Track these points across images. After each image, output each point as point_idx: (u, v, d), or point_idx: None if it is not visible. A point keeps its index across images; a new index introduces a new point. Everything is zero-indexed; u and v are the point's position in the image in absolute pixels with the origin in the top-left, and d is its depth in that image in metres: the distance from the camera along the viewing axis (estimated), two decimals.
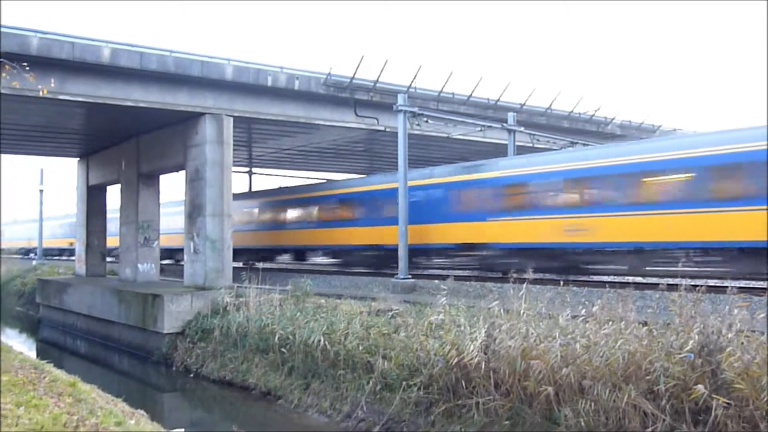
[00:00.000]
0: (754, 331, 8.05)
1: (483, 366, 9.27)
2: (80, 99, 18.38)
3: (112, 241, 31.37)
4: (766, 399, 6.97)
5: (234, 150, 21.36)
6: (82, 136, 26.06)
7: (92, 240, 29.29)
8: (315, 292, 16.41)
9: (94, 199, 29.68)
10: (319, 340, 12.44)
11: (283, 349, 13.43)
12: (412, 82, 22.66)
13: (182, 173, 22.14)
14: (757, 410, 7.02)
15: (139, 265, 24.33)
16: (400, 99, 19.87)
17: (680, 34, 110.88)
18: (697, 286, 9.35)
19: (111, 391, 10.74)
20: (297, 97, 21.79)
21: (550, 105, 26.97)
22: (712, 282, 14.26)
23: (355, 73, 21.89)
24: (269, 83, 20.87)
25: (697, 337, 7.89)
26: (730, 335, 7.90)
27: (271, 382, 13.32)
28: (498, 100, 25.24)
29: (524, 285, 10.90)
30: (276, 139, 27.13)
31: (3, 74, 8.86)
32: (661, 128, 30.73)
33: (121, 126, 23.25)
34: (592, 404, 8.08)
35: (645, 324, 8.98)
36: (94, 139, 26.46)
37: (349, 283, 20.85)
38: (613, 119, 29.33)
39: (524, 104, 25.93)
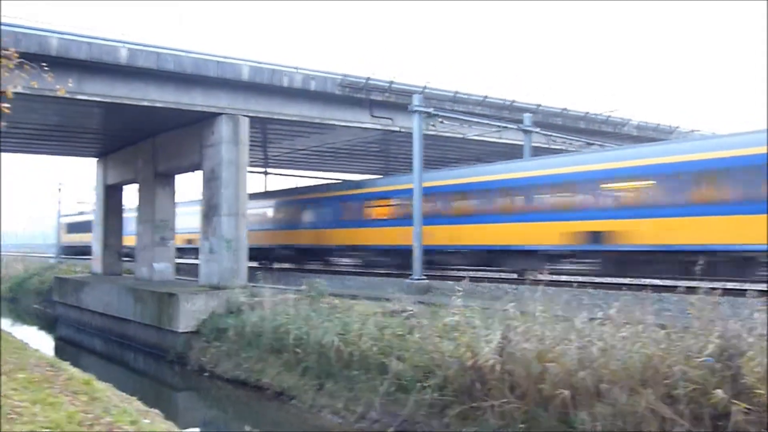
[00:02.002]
0: None
1: (498, 368, 9.19)
2: (97, 99, 18.53)
3: (130, 240, 31.52)
4: None
5: (249, 150, 21.43)
6: (100, 136, 26.29)
7: (109, 239, 29.52)
8: (329, 292, 16.39)
9: (111, 198, 29.92)
10: (334, 341, 12.42)
11: (297, 350, 13.43)
12: (428, 82, 22.62)
13: (199, 173, 22.26)
14: None
15: (155, 264, 24.46)
16: (416, 99, 19.81)
17: (696, 34, 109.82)
18: (715, 288, 9.22)
19: (126, 390, 10.77)
20: (312, 97, 21.81)
21: (566, 106, 26.83)
22: (730, 285, 14.06)
23: (370, 73, 21.89)
24: (285, 83, 20.92)
25: (716, 341, 7.77)
26: (750, 339, 7.77)
27: (285, 382, 13.32)
28: (514, 100, 25.12)
29: (540, 287, 10.81)
30: (291, 139, 27.19)
31: (22, 74, 8.89)
32: (678, 129, 30.41)
33: (138, 126, 23.41)
34: (610, 408, 7.98)
35: (663, 327, 8.86)
36: (112, 139, 26.68)
37: (363, 284, 20.82)
38: (629, 120, 29.08)
39: (540, 105, 25.79)
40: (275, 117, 21.70)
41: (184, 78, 19.46)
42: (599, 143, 25.80)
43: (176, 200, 26.16)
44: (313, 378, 12.79)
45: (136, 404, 9.72)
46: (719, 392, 7.19)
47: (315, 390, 12.50)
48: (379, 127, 23.64)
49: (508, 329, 9.63)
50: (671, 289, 13.39)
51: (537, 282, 12.92)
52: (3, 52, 8.65)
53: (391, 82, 22.40)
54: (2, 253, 45.58)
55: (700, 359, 7.73)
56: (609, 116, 28.17)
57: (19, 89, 9.14)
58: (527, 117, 23.68)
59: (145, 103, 19.24)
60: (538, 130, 23.82)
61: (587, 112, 27.56)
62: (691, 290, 10.18)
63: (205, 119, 20.82)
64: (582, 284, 13.13)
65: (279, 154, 31.57)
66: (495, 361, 9.24)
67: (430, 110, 20.30)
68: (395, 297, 14.51)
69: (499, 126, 22.96)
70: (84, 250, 44.58)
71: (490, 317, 10.66)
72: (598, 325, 9.53)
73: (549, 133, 24.43)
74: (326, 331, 12.89)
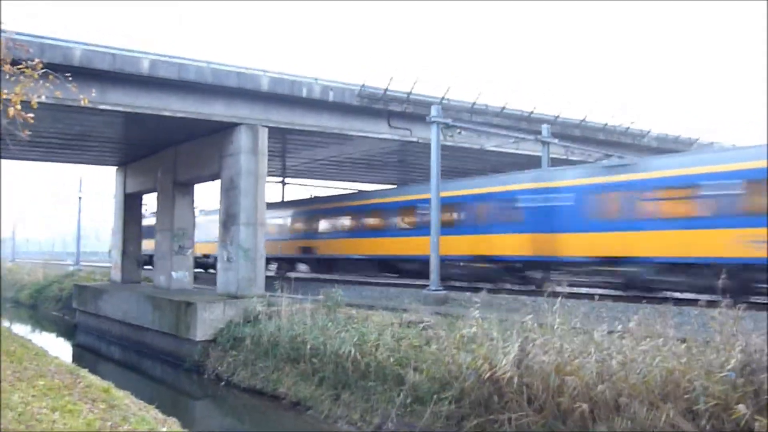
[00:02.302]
0: None
1: (516, 381, 9.13)
2: (120, 109, 18.77)
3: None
4: None
5: (268, 160, 21.57)
6: (121, 145, 26.62)
7: (128, 247, 29.82)
8: (346, 302, 16.39)
9: (131, 207, 30.25)
10: (350, 351, 12.41)
11: (314, 359, 13.43)
12: (446, 93, 22.63)
13: (218, 183, 22.43)
14: None
15: (173, 273, 24.64)
16: (434, 110, 19.82)
17: (716, 46, 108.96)
18: (737, 302, 9.10)
19: (144, 398, 10.84)
20: (331, 108, 21.93)
21: (585, 117, 26.68)
22: (753, 298, 13.87)
23: (388, 84, 21.96)
24: (304, 94, 21.05)
25: (738, 355, 7.66)
26: None
27: (301, 392, 13.33)
28: (532, 112, 25.04)
29: (558, 299, 10.74)
30: (310, 149, 27.32)
31: (47, 84, 9.05)
32: (699, 141, 30.13)
33: (159, 135, 23.67)
34: (629, 423, 7.88)
35: (684, 341, 8.75)
36: (132, 148, 27.00)
37: (379, 294, 20.79)
38: (649, 132, 28.86)
39: (558, 116, 25.68)
40: (294, 127, 21.83)
41: (204, 88, 19.67)
42: (618, 155, 25.60)
43: (204, 209, 26.45)
44: (329, 388, 12.78)
45: (154, 412, 9.78)
46: (741, 407, 7.08)
47: (331, 400, 12.48)
48: (397, 137, 23.68)
49: (526, 341, 9.56)
50: (692, 302, 13.25)
51: (555, 294, 12.83)
52: (29, 62, 8.81)
53: (409, 93, 22.45)
54: (22, 260, 46.07)
55: (722, 374, 7.62)
56: (628, 128, 27.96)
57: (43, 99, 9.32)
58: (545, 128, 23.56)
59: (166, 113, 19.46)
60: (556, 141, 23.70)
61: (606, 124, 27.38)
62: (712, 304, 10.07)
63: (225, 129, 21.01)
64: (601, 297, 12.97)
65: (297, 164, 31.72)
66: (513, 373, 9.18)
67: (448, 121, 20.28)
68: (412, 308, 14.47)
69: (517, 137, 22.89)
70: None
71: (508, 329, 10.58)
72: (617, 338, 9.44)
73: (567, 145, 24.29)
74: (343, 341, 12.89)
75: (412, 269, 24.11)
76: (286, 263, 31.92)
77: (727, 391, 7.45)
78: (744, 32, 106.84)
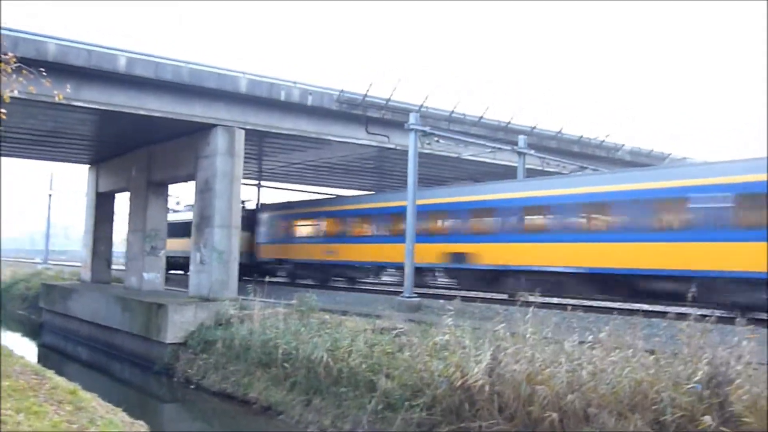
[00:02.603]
0: (763, 364, 7.96)
1: (487, 389, 9.18)
2: (95, 106, 18.51)
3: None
4: None
5: (244, 162, 21.45)
6: (94, 143, 26.26)
7: (98, 246, 29.38)
8: (320, 307, 16.33)
9: (103, 206, 29.79)
10: (323, 357, 12.36)
11: (285, 364, 13.35)
12: (424, 101, 22.74)
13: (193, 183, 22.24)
14: None
15: (145, 274, 24.33)
16: (412, 118, 19.90)
17: (691, 63, 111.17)
18: (706, 315, 9.27)
19: (111, 400, 10.66)
20: (309, 112, 21.88)
21: (561, 129, 27.00)
22: (719, 312, 14.13)
23: (367, 90, 22.01)
24: (282, 97, 20.98)
25: (705, 368, 7.80)
26: (738, 367, 7.81)
27: (272, 397, 13.23)
28: (509, 122, 25.26)
29: (530, 308, 10.83)
30: (287, 153, 27.22)
31: (20, 79, 8.89)
32: (671, 156, 30.68)
33: (133, 134, 23.40)
34: None
35: (652, 353, 8.89)
36: (106, 146, 26.65)
37: (353, 300, 20.77)
38: (623, 146, 29.30)
39: (534, 127, 25.94)
40: (272, 130, 21.73)
41: (182, 88, 19.49)
42: (593, 167, 25.97)
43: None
44: (301, 393, 12.71)
45: (122, 415, 9.64)
46: (707, 419, 7.21)
47: (303, 405, 12.42)
48: (375, 143, 23.72)
49: (498, 350, 9.62)
50: (662, 314, 13.45)
51: (528, 303, 12.94)
52: (2, 57, 8.66)
53: (388, 100, 22.52)
54: None
55: (688, 386, 7.75)
56: (603, 141, 28.36)
57: (16, 93, 9.15)
58: (522, 139, 23.80)
59: (142, 112, 19.22)
60: (532, 152, 23.95)
61: (581, 136, 27.73)
62: (681, 316, 10.24)
63: (201, 130, 20.83)
64: (573, 307, 13.14)
65: (274, 167, 31.58)
66: (484, 381, 9.23)
67: (426, 129, 20.38)
68: (386, 314, 14.48)
69: (494, 147, 23.07)
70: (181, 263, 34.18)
71: (481, 337, 10.64)
72: (588, 348, 9.55)
73: (543, 156, 24.55)
74: (315, 346, 12.84)
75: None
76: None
77: (694, 403, 7.58)
78: (717, 51, 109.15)
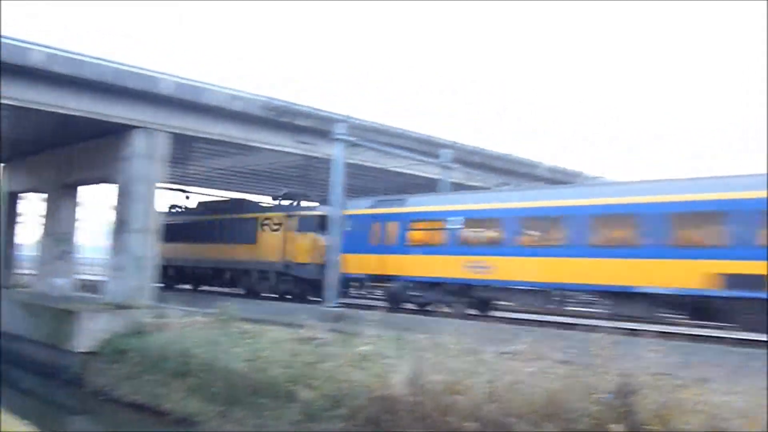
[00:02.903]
0: (666, 374, 8.39)
1: (408, 399, 9.25)
2: (9, 102, 17.57)
3: None
4: None
5: (168, 166, 20.88)
6: (6, 141, 24.88)
7: (6, 249, 27.79)
8: (242, 317, 16.04)
9: (9, 206, 28.23)
10: (242, 367, 12.15)
11: (203, 374, 13.02)
12: (352, 111, 22.88)
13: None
14: None
15: (56, 279, 23.23)
16: (339, 128, 19.96)
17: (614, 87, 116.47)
18: (618, 328, 9.69)
19: (17, 412, 10.12)
20: (236, 117, 21.55)
21: (484, 145, 27.87)
22: (630, 325, 14.77)
23: (295, 98, 22.01)
24: (209, 102, 20.56)
25: (616, 378, 8.15)
26: (643, 378, 8.20)
27: (189, 408, 12.86)
28: (431, 136, 25.79)
29: (454, 320, 11.03)
30: (213, 158, 26.69)
31: None
32: (582, 174, 32.16)
33: (48, 133, 22.33)
34: None
35: (568, 363, 9.21)
36: (18, 145, 25.30)
37: (276, 310, 20.51)
38: (541, 163, 30.45)
39: (456, 142, 26.48)
40: (197, 134, 21.26)
41: (103, 88, 18.73)
42: (515, 182, 26.81)
43: None
44: (219, 404, 12.42)
45: (27, 428, 9.16)
46: (616, 427, 7.52)
47: (221, 416, 12.14)
48: (301, 152, 23.62)
49: (419, 360, 9.73)
50: (577, 327, 13.95)
51: (450, 315, 13.22)
52: None
53: (315, 109, 22.52)
54: None
55: (599, 395, 8.07)
56: (524, 158, 29.40)
57: None
58: (445, 153, 24.25)
59: (60, 111, 18.40)
60: (456, 166, 24.46)
61: (503, 152, 28.66)
62: (593, 329, 10.66)
63: (120, 132, 20.11)
64: (496, 319, 13.48)
65: (198, 172, 30.88)
66: (405, 392, 9.30)
67: (353, 139, 20.49)
68: (309, 324, 14.39)
69: (418, 160, 23.43)
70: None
71: (403, 348, 10.74)
72: (507, 359, 9.79)
73: (468, 171, 25.14)
74: (235, 356, 12.60)
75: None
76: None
77: (604, 412, 7.89)
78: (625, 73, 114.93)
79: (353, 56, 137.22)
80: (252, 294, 25.68)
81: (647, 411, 7.66)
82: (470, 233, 18.93)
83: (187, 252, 29.45)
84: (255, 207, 29.10)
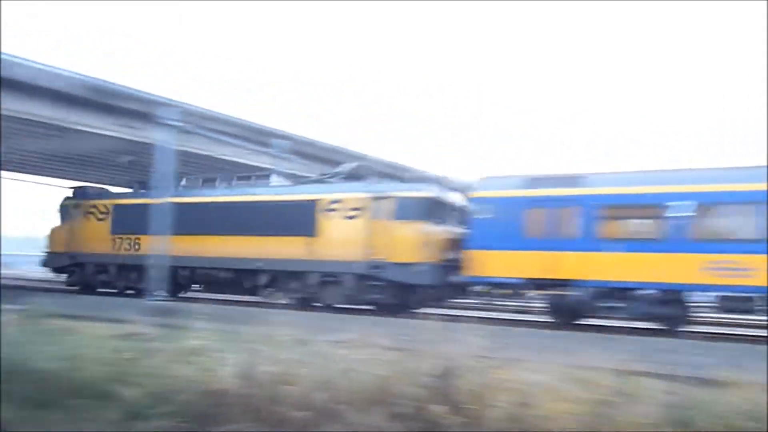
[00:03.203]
0: (485, 357, 9.02)
1: (238, 392, 9.11)
2: None
3: None
4: (493, 417, 7.83)
5: None
6: None
7: None
8: (58, 313, 14.82)
9: None
10: (58, 367, 11.24)
11: (12, 377, 11.86)
12: (182, 97, 22.09)
13: None
14: (489, 428, 7.84)
15: None
16: (168, 113, 19.22)
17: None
18: (444, 315, 10.24)
19: None
20: (54, 97, 19.88)
21: (316, 137, 28.37)
22: (455, 312, 15.66)
23: (121, 80, 20.81)
24: (19, 77, 18.72)
25: (439, 362, 8.60)
26: (467, 361, 8.74)
27: None
28: (263, 125, 25.68)
29: (287, 311, 11.02)
30: (25, 139, 24.40)
31: None
32: (413, 169, 33.66)
33: None
34: (343, 427, 8.34)
35: (399, 350, 9.57)
36: None
37: (98, 305, 19.23)
38: (366, 155, 31.48)
39: (287, 132, 26.59)
40: (4, 113, 19.29)
41: None
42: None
43: None
44: (31, 408, 11.38)
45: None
46: (438, 408, 7.97)
47: (32, 422, 11.13)
48: (128, 137, 22.37)
49: (251, 352, 9.61)
50: (412, 315, 14.57)
51: (284, 306, 13.25)
52: None
53: (144, 92, 21.39)
54: None
55: (424, 379, 8.48)
56: (356, 151, 30.28)
57: None
58: (276, 142, 24.27)
59: None
60: (289, 155, 24.59)
61: (338, 146, 29.40)
62: (426, 316, 11.21)
63: None
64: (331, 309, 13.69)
65: (11, 156, 28.10)
66: (235, 384, 9.15)
67: (181, 124, 19.78)
68: (135, 319, 13.71)
69: (252, 149, 23.22)
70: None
71: (235, 340, 10.56)
72: (339, 348, 9.96)
73: (302, 161, 25.34)
74: (49, 355, 11.63)
75: None
76: None
77: (428, 394, 8.31)
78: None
79: (195, 45, 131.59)
80: (306, 305, 19.22)
81: (463, 393, 8.19)
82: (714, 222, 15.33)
83: (196, 248, 21.97)
84: (306, 183, 21.96)
